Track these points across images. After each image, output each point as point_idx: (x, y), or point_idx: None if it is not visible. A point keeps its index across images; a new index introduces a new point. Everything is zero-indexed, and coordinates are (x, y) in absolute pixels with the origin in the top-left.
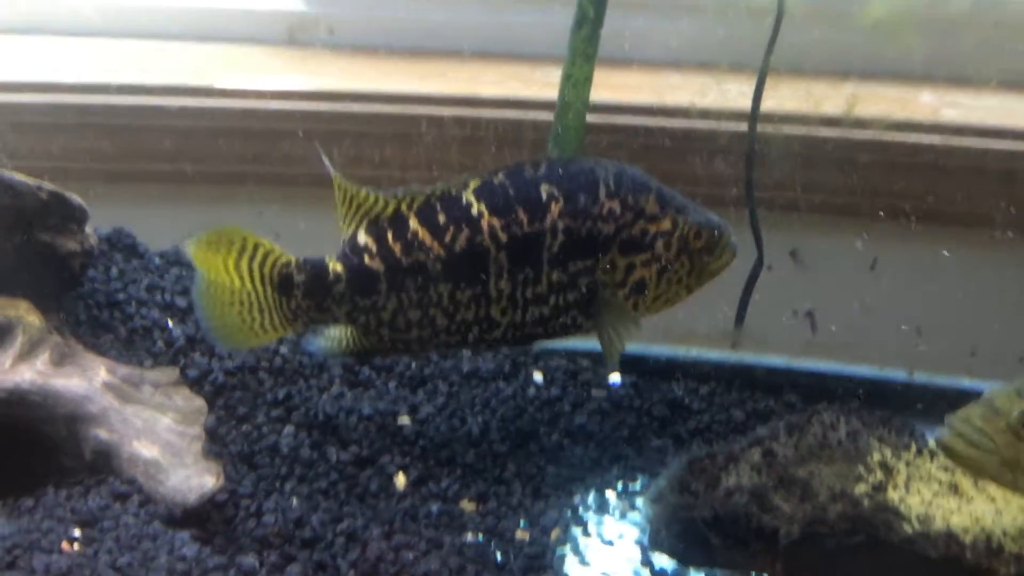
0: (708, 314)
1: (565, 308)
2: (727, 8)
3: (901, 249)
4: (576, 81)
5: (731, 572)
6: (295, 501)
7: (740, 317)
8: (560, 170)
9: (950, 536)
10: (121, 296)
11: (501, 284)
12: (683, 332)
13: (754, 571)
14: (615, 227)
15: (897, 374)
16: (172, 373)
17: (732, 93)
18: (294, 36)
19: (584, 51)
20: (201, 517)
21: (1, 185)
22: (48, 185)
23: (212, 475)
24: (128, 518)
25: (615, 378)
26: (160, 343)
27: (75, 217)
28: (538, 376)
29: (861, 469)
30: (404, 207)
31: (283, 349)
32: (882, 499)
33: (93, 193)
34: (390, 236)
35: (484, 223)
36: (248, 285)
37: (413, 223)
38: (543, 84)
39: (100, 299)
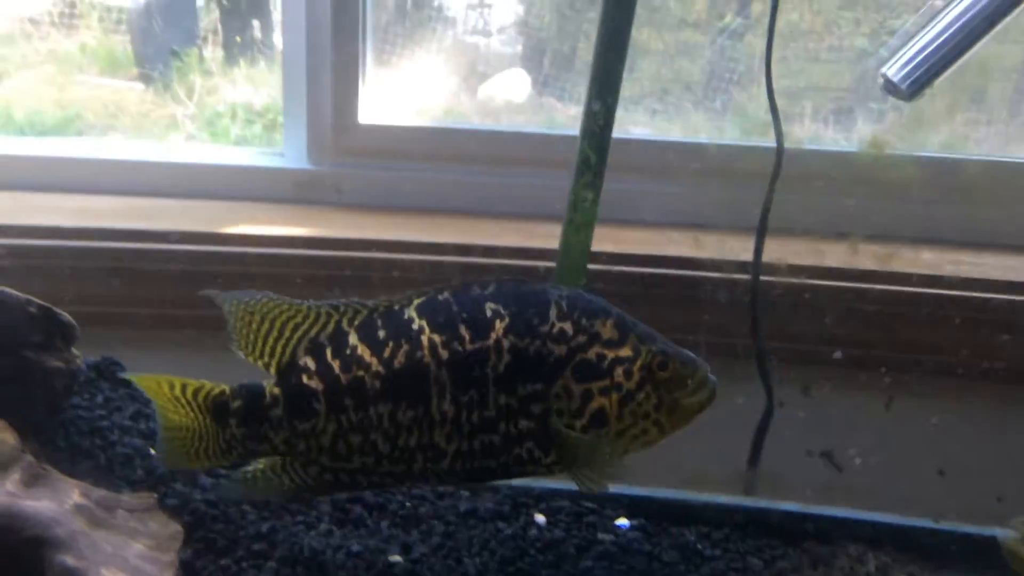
0: (720, 456)
1: (518, 438)
2: (723, 171)
3: (917, 391)
4: (578, 225)
5: None
6: None
7: (754, 459)
8: (508, 290)
9: None
10: (104, 423)
11: (444, 406)
12: (694, 475)
13: None
14: (567, 349)
15: (922, 521)
16: (148, 498)
17: (731, 246)
18: (301, 195)
19: (586, 196)
20: None
21: None
22: (37, 300)
23: None
24: None
25: (622, 521)
26: (140, 471)
27: (63, 334)
28: (540, 517)
29: None
30: (345, 323)
31: None
32: None
33: (89, 335)
34: (329, 353)
35: (424, 339)
36: (191, 414)
37: (352, 339)
38: (544, 236)
39: (82, 425)
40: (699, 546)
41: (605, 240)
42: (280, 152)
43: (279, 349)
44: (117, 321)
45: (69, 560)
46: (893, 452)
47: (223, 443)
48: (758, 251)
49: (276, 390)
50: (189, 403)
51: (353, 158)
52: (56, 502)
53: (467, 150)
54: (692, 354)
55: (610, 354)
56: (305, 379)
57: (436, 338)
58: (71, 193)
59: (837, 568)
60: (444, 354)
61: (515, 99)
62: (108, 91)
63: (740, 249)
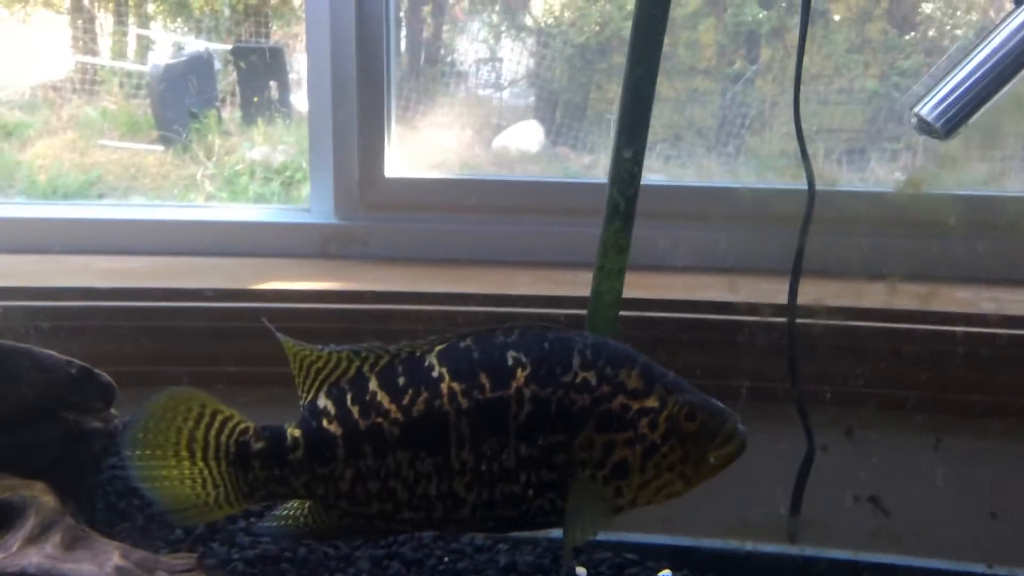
0: (763, 502)
1: (540, 489)
2: (754, 215)
3: (966, 432)
4: (609, 272)
5: None
6: None
7: (796, 505)
8: (532, 337)
9: None
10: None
11: (464, 455)
12: (736, 523)
13: None
14: (590, 399)
15: (974, 567)
16: (189, 559)
17: (766, 289)
18: (327, 249)
19: (616, 243)
20: None
21: (31, 361)
22: (78, 362)
23: None
24: None
25: (666, 572)
26: (179, 531)
27: (102, 395)
28: (581, 570)
29: None
30: (367, 368)
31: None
32: None
33: (124, 394)
34: (349, 398)
35: (444, 386)
36: (200, 463)
37: (373, 384)
38: (575, 284)
39: (119, 486)
40: None
41: (636, 286)
42: (307, 208)
43: (301, 393)
44: (150, 379)
45: None
46: (942, 495)
47: (245, 486)
48: (793, 292)
49: (297, 432)
50: (207, 447)
51: (379, 211)
52: (96, 564)
53: (490, 200)
54: (720, 405)
55: (635, 405)
56: (325, 423)
57: (456, 386)
58: (101, 255)
59: None
60: (464, 403)
61: (529, 150)
62: (128, 154)
63: (775, 292)
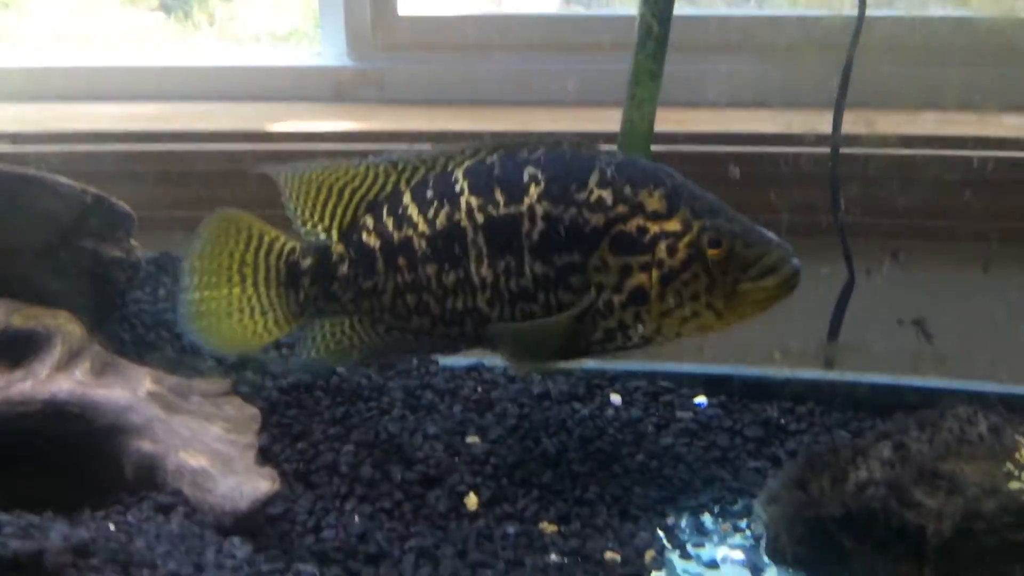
0: (810, 331)
1: (560, 310)
2: (791, 47)
3: (1013, 259)
4: (640, 101)
5: None
6: (357, 519)
7: (834, 331)
8: (554, 155)
9: None
10: (169, 316)
11: (482, 270)
12: (773, 349)
13: None
14: (604, 219)
15: (1019, 388)
16: (223, 383)
17: (798, 123)
18: (341, 93)
19: (649, 69)
20: (254, 526)
21: (44, 188)
22: (93, 189)
23: (267, 480)
24: (171, 526)
25: (701, 399)
26: (210, 361)
27: (121, 224)
28: (615, 398)
29: (1011, 467)
30: (403, 182)
31: (341, 368)
32: None
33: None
34: (385, 212)
35: (463, 200)
36: (251, 289)
37: (406, 198)
38: (601, 121)
39: (146, 319)
40: (782, 421)
41: (668, 121)
42: (318, 51)
43: (339, 213)
44: (165, 225)
45: (146, 446)
46: (989, 320)
47: (296, 306)
48: (839, 109)
49: (340, 247)
50: (256, 270)
51: (393, 52)
52: (129, 390)
53: (509, 37)
54: (769, 236)
55: (653, 227)
56: (365, 237)
57: (474, 201)
58: (113, 101)
59: (945, 429)
60: (480, 218)
61: None
62: (129, 21)
63: (818, 123)
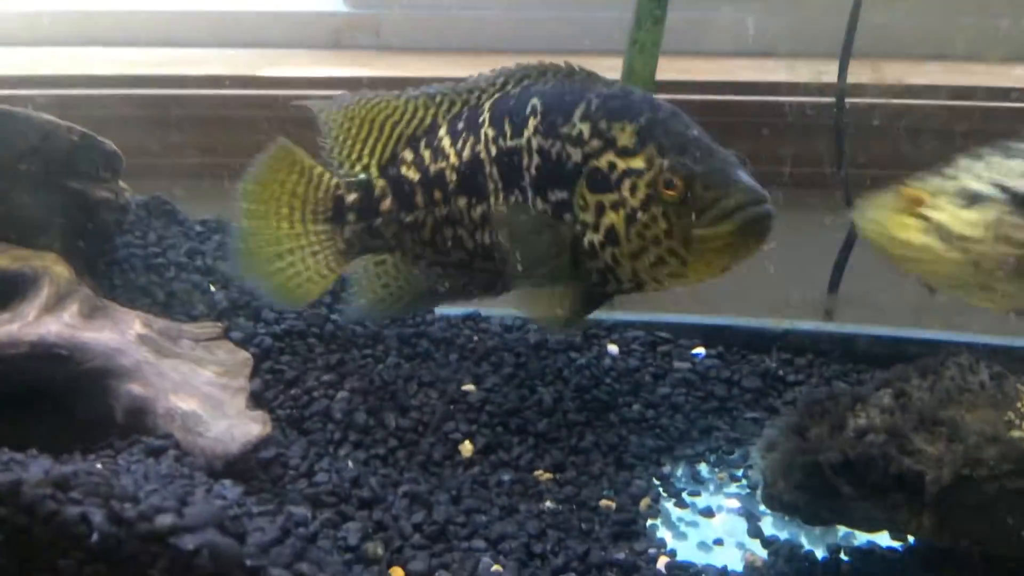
0: (803, 280)
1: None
2: None
3: None
4: (643, 46)
5: (866, 529)
6: (350, 464)
7: (835, 283)
8: (558, 85)
9: None
10: (159, 260)
11: (499, 205)
12: (774, 304)
13: (894, 528)
14: (581, 154)
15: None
16: (214, 327)
17: (802, 71)
18: (340, 39)
19: (652, 12)
20: (246, 470)
21: (29, 125)
22: (79, 128)
23: (258, 423)
24: (160, 468)
25: (699, 350)
26: (201, 306)
27: (109, 164)
28: (613, 348)
29: (1011, 415)
30: (441, 115)
31: (335, 316)
32: None
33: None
34: (422, 144)
35: (483, 132)
36: (299, 225)
37: (442, 131)
38: (600, 68)
39: (136, 263)
40: (781, 372)
41: (671, 70)
42: None
43: (379, 149)
44: (161, 172)
45: (136, 389)
46: None
47: (342, 244)
48: (845, 58)
49: (382, 182)
50: (304, 206)
51: None
52: (118, 332)
53: None
54: (742, 179)
55: (621, 164)
56: (404, 170)
57: (490, 132)
58: (110, 46)
59: (947, 377)
60: (493, 150)
61: None
62: None
63: (822, 74)
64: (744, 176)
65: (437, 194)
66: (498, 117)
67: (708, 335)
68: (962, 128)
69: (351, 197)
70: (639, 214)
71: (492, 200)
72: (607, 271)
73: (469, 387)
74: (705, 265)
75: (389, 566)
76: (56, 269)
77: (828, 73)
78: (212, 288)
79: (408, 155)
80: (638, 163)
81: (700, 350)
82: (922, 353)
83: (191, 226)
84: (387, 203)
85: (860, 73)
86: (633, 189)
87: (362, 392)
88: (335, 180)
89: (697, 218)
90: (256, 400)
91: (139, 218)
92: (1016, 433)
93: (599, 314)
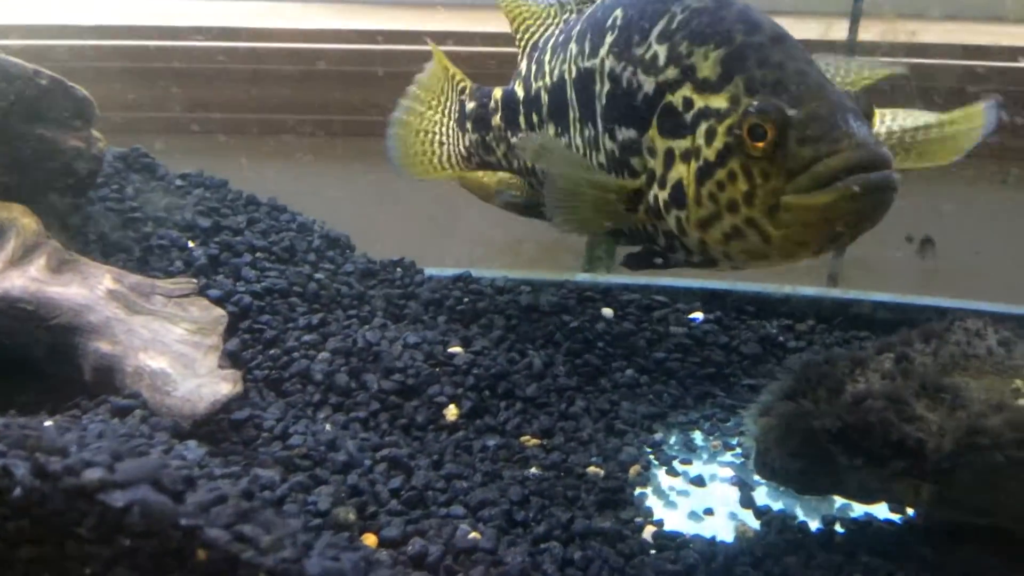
0: None
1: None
2: None
3: None
4: None
5: (859, 501)
6: (328, 427)
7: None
8: None
9: None
10: (136, 215)
11: (577, 139)
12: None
13: (889, 498)
14: (654, 85)
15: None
16: (187, 284)
17: (811, 27)
18: None
19: None
20: (217, 431)
21: None
22: (48, 72)
23: (228, 382)
24: (120, 428)
25: (697, 315)
26: (179, 263)
27: (80, 112)
28: (607, 311)
29: (1019, 383)
30: (559, 24)
31: (319, 275)
32: None
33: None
34: (535, 57)
35: (569, 48)
36: (439, 114)
37: (550, 42)
38: None
39: (113, 218)
40: (781, 338)
41: None
42: None
43: (521, 56)
44: (142, 127)
45: (104, 347)
46: (1007, 238)
47: (464, 150)
48: (855, 15)
49: (498, 94)
50: (446, 97)
51: None
52: (86, 287)
53: None
54: (857, 131)
55: (699, 101)
56: (517, 85)
57: (573, 49)
58: None
59: (952, 343)
60: (573, 71)
61: None
62: None
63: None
64: (860, 128)
65: (535, 117)
66: (583, 30)
67: (706, 299)
68: (975, 88)
69: (470, 106)
70: (715, 170)
71: (572, 132)
72: (673, 238)
73: (456, 349)
74: (794, 244)
75: (362, 532)
76: (23, 221)
77: (840, 30)
78: (191, 244)
79: (523, 67)
80: (719, 102)
81: (698, 314)
82: (929, 320)
83: (171, 180)
84: (497, 119)
85: (871, 29)
86: (710, 136)
87: (344, 353)
88: (468, 84)
89: (788, 180)
90: (233, 360)
91: (116, 171)
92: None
93: (595, 277)
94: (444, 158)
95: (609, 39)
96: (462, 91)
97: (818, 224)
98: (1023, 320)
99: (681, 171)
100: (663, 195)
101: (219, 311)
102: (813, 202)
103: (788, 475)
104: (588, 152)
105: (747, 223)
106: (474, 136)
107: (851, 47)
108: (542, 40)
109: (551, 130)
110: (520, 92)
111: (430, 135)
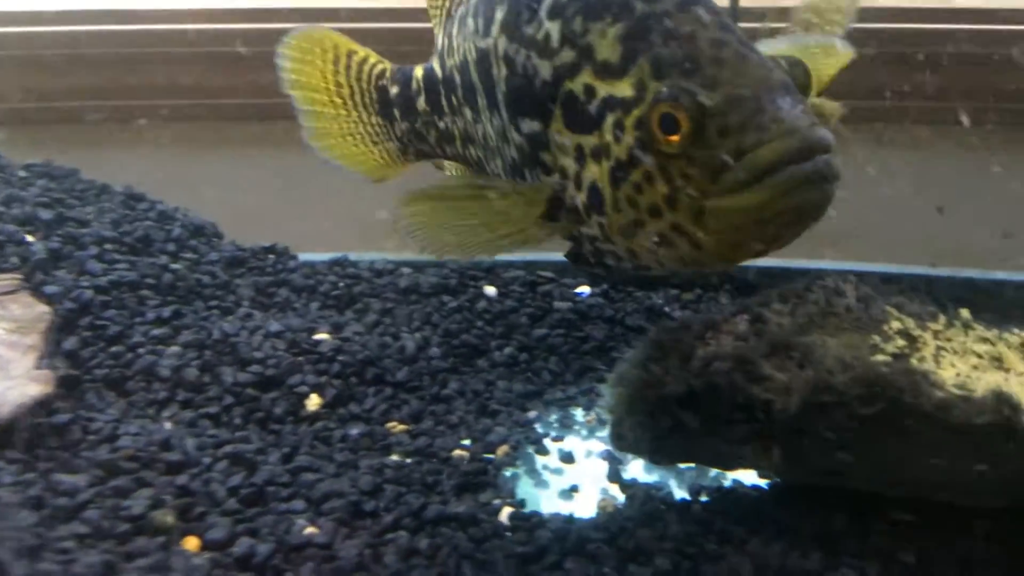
0: None
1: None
2: None
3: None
4: None
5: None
6: (168, 426)
7: None
8: None
9: (1000, 398)
10: None
11: (487, 125)
12: None
13: (743, 463)
14: (551, 70)
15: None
16: (11, 280)
17: None
18: None
19: None
20: (32, 436)
21: None
22: None
23: (39, 384)
24: None
25: (583, 289)
26: (14, 259)
27: None
28: (490, 289)
29: (877, 339)
30: None
31: (176, 265)
32: (906, 366)
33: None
34: (454, 29)
35: (467, 25)
36: (354, 112)
37: (462, 10)
38: None
39: None
40: (667, 309)
41: None
42: None
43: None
44: (65, 118)
45: None
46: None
47: (396, 142)
48: None
49: (419, 73)
50: (352, 92)
51: None
52: None
53: None
54: (788, 113)
55: (601, 89)
56: (435, 63)
57: (470, 25)
58: None
59: (811, 302)
60: (473, 50)
61: None
62: None
63: None
64: (792, 108)
65: (454, 100)
66: (478, 3)
67: (595, 274)
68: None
69: (394, 90)
70: (629, 170)
71: (483, 120)
72: (600, 243)
73: (323, 336)
74: (730, 247)
75: (184, 535)
76: None
77: None
78: (29, 238)
79: (438, 40)
80: (624, 89)
81: (584, 289)
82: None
83: (13, 172)
84: (421, 102)
85: None
86: (618, 130)
87: (197, 346)
88: (380, 67)
89: (713, 179)
90: (72, 359)
91: None
92: (879, 356)
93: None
94: (385, 155)
95: (499, 15)
96: (380, 75)
97: (753, 226)
98: (892, 278)
99: (594, 172)
100: (581, 197)
101: (43, 308)
102: (743, 204)
103: (641, 445)
104: (500, 144)
105: (673, 229)
106: (403, 125)
107: (733, 12)
108: (455, 8)
109: (468, 114)
110: (438, 71)
111: (357, 136)
